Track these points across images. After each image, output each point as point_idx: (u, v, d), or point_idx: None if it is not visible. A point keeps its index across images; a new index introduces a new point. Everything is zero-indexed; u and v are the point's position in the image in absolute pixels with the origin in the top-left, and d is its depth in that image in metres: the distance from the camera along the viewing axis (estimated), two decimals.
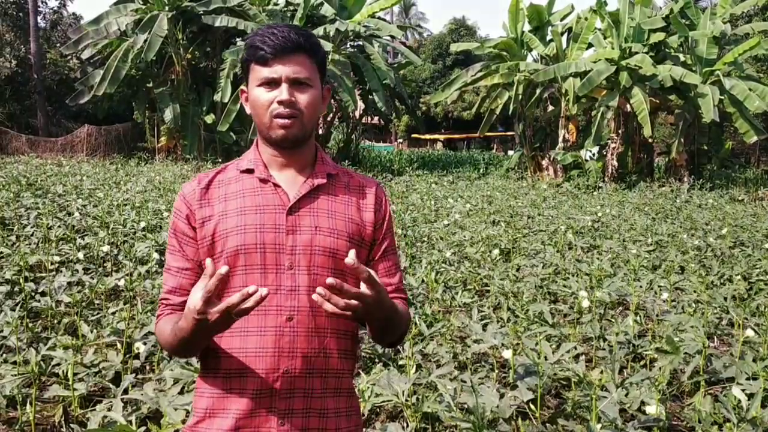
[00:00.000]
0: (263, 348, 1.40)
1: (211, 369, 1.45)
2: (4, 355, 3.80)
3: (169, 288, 1.48)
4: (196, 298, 1.23)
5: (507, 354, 3.50)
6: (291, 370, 1.40)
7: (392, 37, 25.01)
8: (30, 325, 4.27)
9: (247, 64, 1.48)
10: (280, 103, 1.42)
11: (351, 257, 1.24)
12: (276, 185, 1.48)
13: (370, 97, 23.57)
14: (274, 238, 1.43)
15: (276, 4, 23.71)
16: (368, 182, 1.59)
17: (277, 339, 1.40)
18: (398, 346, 3.97)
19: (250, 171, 1.51)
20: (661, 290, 5.84)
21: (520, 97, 22.20)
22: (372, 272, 1.28)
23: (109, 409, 2.92)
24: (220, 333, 1.32)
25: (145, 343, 3.78)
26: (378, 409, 3.47)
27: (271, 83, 1.44)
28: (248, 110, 1.52)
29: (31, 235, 7.20)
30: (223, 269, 1.20)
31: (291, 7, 23.37)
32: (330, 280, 1.22)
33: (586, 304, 4.69)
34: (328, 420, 1.44)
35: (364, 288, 1.26)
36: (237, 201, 1.47)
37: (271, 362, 1.40)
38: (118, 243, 7.21)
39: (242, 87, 1.55)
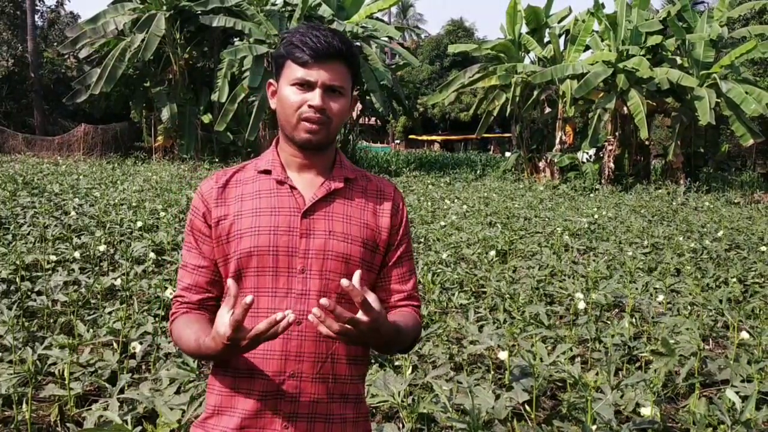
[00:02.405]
0: (271, 351, 1.39)
1: (221, 367, 1.45)
2: (0, 354, 3.79)
3: (185, 285, 1.48)
4: (224, 325, 1.23)
5: (503, 355, 3.51)
6: (297, 374, 1.40)
7: (390, 38, 25.01)
8: (26, 324, 4.26)
9: (282, 60, 1.46)
10: (311, 107, 1.41)
11: (345, 281, 1.20)
12: (293, 187, 1.46)
13: (367, 97, 23.58)
14: (288, 240, 1.42)
15: (274, 5, 23.69)
16: (386, 186, 1.57)
17: (285, 342, 1.39)
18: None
19: (267, 172, 1.49)
20: (656, 292, 5.86)
21: (518, 98, 22.22)
22: (369, 296, 1.24)
23: (105, 409, 2.92)
24: (246, 353, 1.33)
25: (141, 343, 3.78)
26: (374, 410, 3.47)
27: (305, 85, 1.42)
28: (273, 105, 1.50)
29: (28, 234, 7.18)
30: (248, 299, 1.20)
31: (289, 8, 23.37)
32: (323, 301, 1.18)
33: (582, 305, 4.70)
34: (333, 426, 1.43)
35: (360, 314, 1.23)
36: (253, 202, 1.46)
37: (278, 365, 1.39)
38: (115, 242, 7.21)
39: (270, 81, 1.52)
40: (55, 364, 3.52)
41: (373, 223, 1.51)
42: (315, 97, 1.41)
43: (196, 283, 1.47)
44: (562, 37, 23.36)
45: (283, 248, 1.41)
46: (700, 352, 3.86)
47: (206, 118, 23.14)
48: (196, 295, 1.47)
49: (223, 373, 1.44)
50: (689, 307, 5.38)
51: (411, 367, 3.62)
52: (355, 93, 1.55)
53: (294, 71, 1.42)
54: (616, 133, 21.53)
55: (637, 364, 4.25)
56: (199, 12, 22.25)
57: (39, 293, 5.00)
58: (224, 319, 1.24)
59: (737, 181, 21.95)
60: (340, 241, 1.44)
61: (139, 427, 2.81)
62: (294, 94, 1.42)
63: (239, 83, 21.45)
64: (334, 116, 1.44)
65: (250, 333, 1.22)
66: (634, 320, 4.94)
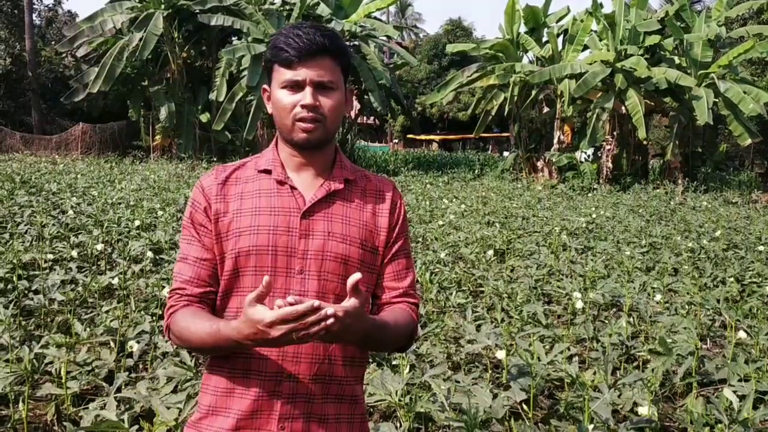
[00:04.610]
0: (268, 351, 1.39)
1: (217, 366, 1.44)
2: None
3: (186, 278, 1.44)
4: (261, 311, 1.20)
5: (500, 354, 3.51)
6: (294, 375, 1.39)
7: (388, 37, 25.00)
8: (23, 323, 4.25)
9: (270, 64, 1.45)
10: (304, 107, 1.40)
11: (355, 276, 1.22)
12: (293, 188, 1.46)
13: (366, 97, 23.56)
14: (287, 241, 1.41)
15: (272, 4, 23.69)
16: (385, 186, 1.56)
17: None
18: None
19: (268, 171, 1.48)
20: (654, 292, 5.86)
21: (516, 98, 22.22)
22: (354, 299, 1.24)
23: (102, 408, 2.92)
24: (268, 347, 1.30)
25: (138, 342, 3.77)
26: (371, 409, 3.47)
27: (295, 86, 1.41)
28: (269, 110, 1.49)
29: (25, 233, 7.17)
30: (266, 279, 1.21)
31: (287, 7, 23.35)
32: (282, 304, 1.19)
33: (579, 305, 4.70)
34: (328, 426, 1.42)
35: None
36: (252, 200, 1.45)
37: (274, 366, 1.39)
38: (113, 241, 7.19)
39: (264, 86, 1.51)
40: (52, 362, 3.52)
41: (372, 224, 1.50)
42: (306, 96, 1.40)
43: (198, 276, 1.44)
44: (561, 37, 23.37)
45: (282, 248, 1.40)
46: (698, 351, 3.86)
47: (204, 117, 23.12)
48: (197, 288, 1.44)
49: (218, 373, 1.43)
50: (687, 307, 5.38)
51: (409, 366, 3.62)
52: (351, 87, 1.54)
53: (282, 74, 1.42)
54: (615, 133, 21.55)
55: (635, 364, 4.26)
56: (197, 11, 22.23)
57: (36, 292, 4.99)
58: (258, 308, 1.20)
59: (735, 181, 21.96)
60: (338, 242, 1.43)
61: (136, 426, 2.80)
62: (285, 96, 1.42)
63: (237, 82, 21.44)
64: (328, 112, 1.42)
65: (292, 324, 1.18)
66: (631, 320, 4.94)
